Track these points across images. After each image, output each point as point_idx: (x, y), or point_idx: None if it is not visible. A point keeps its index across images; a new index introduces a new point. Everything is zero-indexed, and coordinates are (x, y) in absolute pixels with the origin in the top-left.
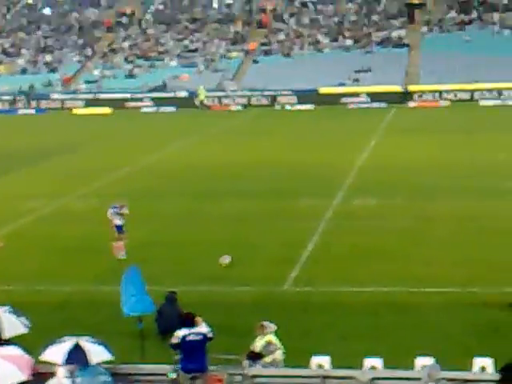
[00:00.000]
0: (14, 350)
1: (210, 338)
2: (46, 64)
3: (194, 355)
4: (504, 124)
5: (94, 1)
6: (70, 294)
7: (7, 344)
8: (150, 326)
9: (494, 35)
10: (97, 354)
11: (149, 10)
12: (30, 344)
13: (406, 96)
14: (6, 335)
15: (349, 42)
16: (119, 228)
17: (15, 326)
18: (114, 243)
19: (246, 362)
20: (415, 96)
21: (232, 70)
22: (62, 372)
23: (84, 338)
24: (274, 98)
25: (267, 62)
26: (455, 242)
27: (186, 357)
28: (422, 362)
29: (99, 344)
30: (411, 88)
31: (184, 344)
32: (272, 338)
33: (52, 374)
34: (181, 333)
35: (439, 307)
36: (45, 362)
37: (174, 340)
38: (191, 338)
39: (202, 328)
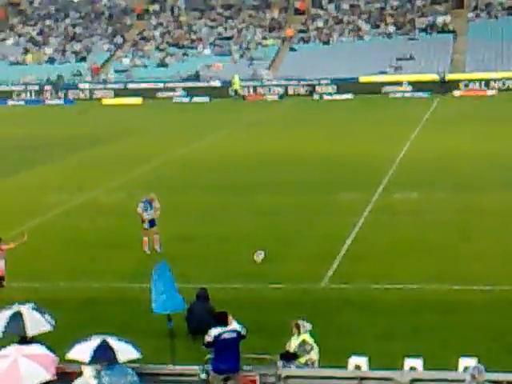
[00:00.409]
0: (38, 349)
1: (244, 336)
2: (75, 53)
3: (227, 355)
4: None
5: None
6: (96, 290)
7: (31, 342)
8: (180, 324)
9: None
10: (124, 352)
11: None
12: (55, 342)
13: (445, 85)
14: (30, 333)
15: (391, 29)
16: (151, 222)
17: (40, 323)
18: (144, 238)
19: (279, 363)
20: (461, 85)
21: (268, 59)
22: (88, 371)
23: (110, 337)
24: (311, 88)
25: (305, 50)
26: (504, 236)
27: (218, 357)
28: (466, 362)
29: (126, 342)
30: (455, 76)
31: (218, 343)
32: (307, 337)
33: (78, 374)
34: (215, 331)
35: (485, 306)
36: (71, 361)
37: (208, 338)
38: (226, 336)
39: (235, 325)
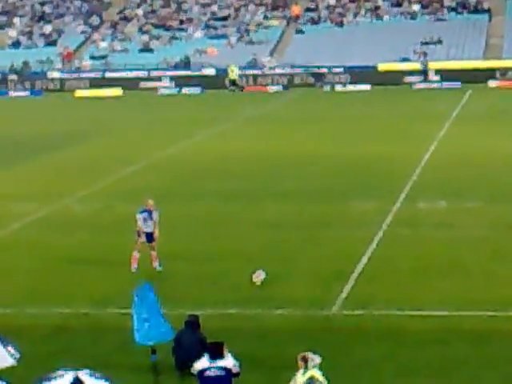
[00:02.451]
0: None
1: (237, 374)
2: (43, 36)
3: None
4: None
5: None
6: (68, 317)
7: None
8: (166, 357)
9: None
10: None
11: None
12: (20, 379)
13: (425, 75)
14: None
15: (415, 8)
16: (148, 236)
17: (2, 357)
18: (134, 253)
19: None
20: (497, 74)
21: (271, 43)
22: None
23: (82, 372)
24: (321, 77)
25: (314, 33)
26: None
27: None
28: None
29: (101, 379)
30: (491, 64)
31: (203, 380)
32: (316, 373)
33: None
34: (199, 365)
35: None
36: None
37: (193, 371)
38: (211, 373)
39: (227, 361)
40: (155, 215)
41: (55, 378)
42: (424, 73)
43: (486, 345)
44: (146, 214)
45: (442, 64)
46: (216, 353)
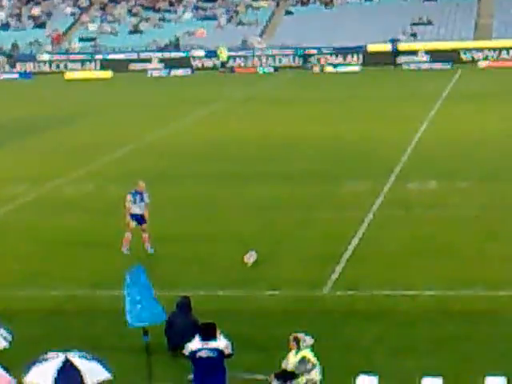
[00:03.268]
0: None
1: (229, 355)
2: (32, 18)
3: (206, 376)
4: None
5: None
6: (60, 299)
7: None
8: (159, 339)
9: None
10: (93, 373)
11: None
12: (12, 361)
13: (395, 57)
14: None
15: None
16: (139, 218)
17: None
18: (127, 234)
19: (275, 383)
20: (487, 54)
21: (260, 24)
22: None
23: (72, 354)
24: (311, 58)
25: (303, 14)
26: None
27: (198, 376)
28: (493, 382)
29: (92, 360)
30: (480, 44)
31: (194, 361)
32: (308, 353)
33: None
34: (191, 346)
35: None
36: None
37: (185, 352)
38: (203, 354)
39: (219, 342)
40: (146, 197)
41: (46, 360)
42: (394, 54)
43: (478, 324)
44: (137, 196)
45: (431, 45)
46: (208, 334)
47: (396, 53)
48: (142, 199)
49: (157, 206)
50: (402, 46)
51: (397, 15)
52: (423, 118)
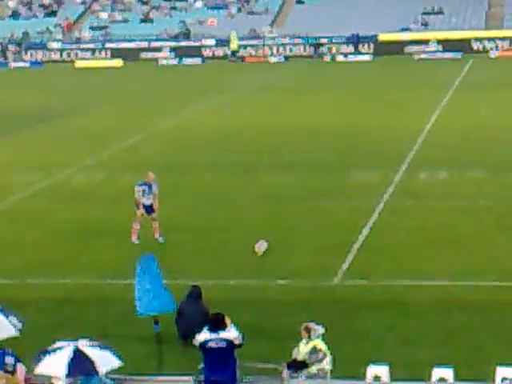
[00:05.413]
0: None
1: (239, 345)
2: (43, 6)
3: (216, 365)
4: None
5: None
6: (71, 288)
7: None
8: (169, 328)
9: None
10: (104, 361)
11: None
12: (23, 349)
13: (357, 43)
14: None
15: None
16: (149, 208)
17: (4, 327)
18: (134, 225)
19: (286, 373)
20: (498, 43)
21: (271, 13)
22: None
23: (81, 342)
24: (322, 47)
25: (314, 2)
26: None
27: (208, 366)
28: (503, 373)
29: (102, 348)
30: (492, 34)
31: (204, 351)
32: (319, 343)
33: None
34: (201, 337)
35: None
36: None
37: (195, 343)
38: (212, 345)
39: (229, 332)
40: (155, 188)
41: (55, 350)
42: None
43: (488, 314)
44: (145, 187)
45: (443, 34)
46: (217, 324)
47: (357, 38)
48: (150, 190)
49: (167, 195)
50: (413, 35)
51: (408, 4)
52: (435, 108)
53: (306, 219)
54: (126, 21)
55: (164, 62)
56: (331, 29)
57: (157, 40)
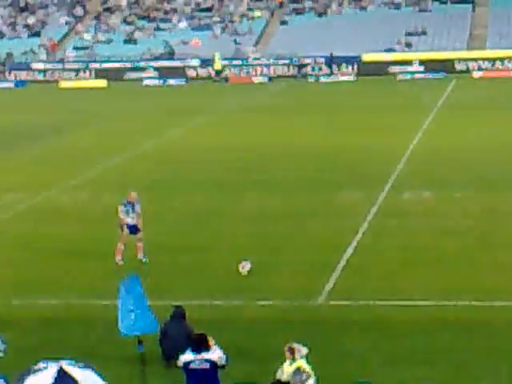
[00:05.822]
0: None
1: (223, 366)
2: (27, 27)
3: None
4: None
5: None
6: (55, 308)
7: None
8: (153, 348)
9: None
10: (88, 380)
11: None
12: (6, 370)
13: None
14: None
15: None
16: (132, 229)
17: None
18: (119, 245)
19: None
20: (481, 64)
21: (255, 34)
22: None
23: (65, 362)
24: (306, 68)
25: (298, 23)
26: None
27: None
28: None
29: (85, 368)
30: (475, 54)
31: (187, 372)
32: (303, 363)
33: None
34: (184, 358)
35: (509, 325)
36: None
37: (179, 363)
38: (195, 366)
39: (213, 353)
40: (138, 207)
41: (39, 370)
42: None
43: (471, 334)
44: (128, 207)
45: (426, 55)
46: (200, 345)
47: (331, 59)
48: (133, 209)
49: (152, 214)
50: (396, 56)
51: (391, 25)
52: (418, 128)
53: (291, 238)
54: (109, 41)
55: (148, 82)
56: (315, 49)
57: (141, 60)
